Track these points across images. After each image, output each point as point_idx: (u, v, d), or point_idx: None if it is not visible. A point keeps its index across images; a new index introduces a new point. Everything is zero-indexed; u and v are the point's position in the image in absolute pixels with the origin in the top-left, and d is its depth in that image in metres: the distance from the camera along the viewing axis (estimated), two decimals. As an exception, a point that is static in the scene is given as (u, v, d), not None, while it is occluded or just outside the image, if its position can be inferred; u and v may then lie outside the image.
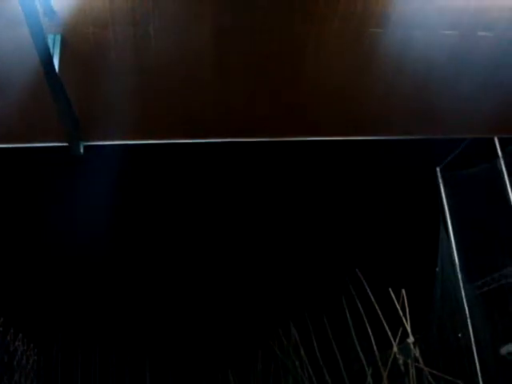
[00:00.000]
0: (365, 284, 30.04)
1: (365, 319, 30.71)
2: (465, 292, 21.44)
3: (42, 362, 57.75)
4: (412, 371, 26.20)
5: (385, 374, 28.99)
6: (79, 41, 4.55)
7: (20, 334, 50.73)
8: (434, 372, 24.43)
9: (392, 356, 28.84)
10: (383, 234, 30.08)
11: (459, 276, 21.55)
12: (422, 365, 25.59)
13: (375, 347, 30.58)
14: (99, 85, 4.60)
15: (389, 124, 4.97)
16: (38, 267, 54.60)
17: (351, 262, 32.71)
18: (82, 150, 4.91)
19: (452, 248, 21.92)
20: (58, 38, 4.55)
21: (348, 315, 33.15)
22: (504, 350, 19.92)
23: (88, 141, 4.93)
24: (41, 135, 4.90)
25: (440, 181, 22.55)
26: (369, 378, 30.95)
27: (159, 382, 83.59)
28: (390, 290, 27.09)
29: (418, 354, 25.89)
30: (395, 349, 28.34)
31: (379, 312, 28.75)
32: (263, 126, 5.02)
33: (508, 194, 19.51)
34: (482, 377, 20.32)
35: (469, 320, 20.99)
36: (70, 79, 4.40)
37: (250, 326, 57.66)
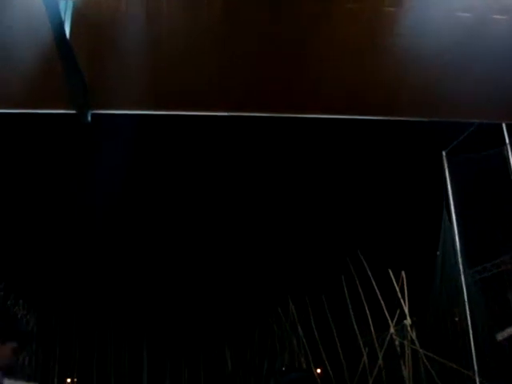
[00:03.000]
0: (365, 265, 30.22)
1: (363, 299, 30.94)
2: (464, 277, 21.47)
3: (41, 328, 58.31)
4: (408, 353, 26.45)
5: (380, 355, 29.28)
6: (91, 7, 4.51)
7: (21, 300, 51.16)
8: (430, 354, 24.64)
9: (388, 337, 29.13)
10: (386, 216, 30.08)
11: (459, 261, 21.57)
12: (417, 347, 25.83)
13: (372, 327, 30.87)
14: (109, 53, 4.57)
15: (398, 105, 4.94)
16: (42, 235, 54.88)
17: (353, 242, 32.87)
18: (89, 119, 4.90)
19: (454, 232, 21.90)
20: (70, 3, 4.52)
21: (347, 295, 33.42)
22: (500, 336, 20.01)
23: (96, 109, 4.92)
24: (49, 102, 4.89)
25: (445, 165, 22.45)
26: (364, 358, 31.27)
27: (157, 357, 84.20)
28: (389, 271, 27.26)
29: (414, 336, 26.11)
30: (392, 330, 28.61)
31: (378, 293, 28.94)
32: (269, 101, 5.00)
33: (512, 181, 19.41)
34: (476, 361, 20.43)
35: (467, 305, 21.06)
36: (81, 46, 4.38)
37: (249, 303, 58.04)
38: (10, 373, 2.85)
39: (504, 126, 18.50)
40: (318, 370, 40.36)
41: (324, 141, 39.52)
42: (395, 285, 26.72)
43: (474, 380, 20.23)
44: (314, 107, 4.92)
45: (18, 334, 2.88)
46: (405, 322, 26.41)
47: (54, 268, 59.95)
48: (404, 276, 26.53)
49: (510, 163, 19.32)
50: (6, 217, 46.61)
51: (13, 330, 2.91)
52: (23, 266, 49.21)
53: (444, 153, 22.54)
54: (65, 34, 4.35)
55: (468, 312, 21.00)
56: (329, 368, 35.97)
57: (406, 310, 26.42)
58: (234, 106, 5.15)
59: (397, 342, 27.14)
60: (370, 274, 29.26)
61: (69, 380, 69.44)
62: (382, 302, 28.05)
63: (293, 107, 5.01)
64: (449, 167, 22.33)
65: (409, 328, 25.94)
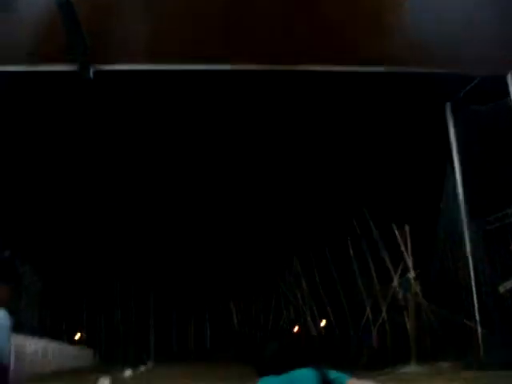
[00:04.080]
0: (368, 218, 30.32)
1: (367, 253, 31.16)
2: (468, 230, 21.49)
3: (47, 285, 59.05)
4: (411, 305, 26.74)
5: (384, 308, 29.65)
6: (91, -40, 4.43)
7: (27, 260, 51.63)
8: (433, 306, 24.92)
9: (392, 290, 29.42)
10: (390, 170, 29.98)
11: (463, 213, 21.57)
12: (421, 299, 26.09)
13: (376, 281, 31.17)
14: (110, 7, 4.49)
15: (404, 56, 4.86)
16: (44, 193, 54.99)
17: (357, 196, 32.89)
18: (91, 75, 4.85)
19: (457, 185, 21.85)
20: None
21: (350, 249, 33.64)
22: (502, 288, 20.17)
23: (98, 65, 4.85)
24: (51, 60, 4.82)
25: (449, 116, 22.26)
26: (368, 311, 31.66)
27: (163, 311, 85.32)
28: (393, 225, 27.34)
29: (417, 289, 26.35)
30: (395, 283, 28.88)
31: (381, 246, 29.12)
32: (278, 53, 4.95)
33: (517, 133, 19.25)
34: (479, 312, 20.61)
35: (470, 257, 21.14)
36: (81, 1, 4.30)
37: (254, 258, 58.48)
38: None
39: (509, 77, 18.24)
40: (323, 323, 40.97)
41: (327, 95, 39.14)
42: (399, 238, 26.82)
43: (477, 331, 20.47)
44: (318, 58, 4.85)
45: (13, 276, 2.97)
46: (408, 274, 26.60)
47: (58, 226, 60.31)
48: (407, 230, 26.61)
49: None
50: (11, 176, 46.69)
51: (8, 272, 3.00)
52: (27, 225, 49.52)
53: (448, 104, 22.33)
54: (65, -11, 4.28)
55: (471, 264, 21.11)
56: (333, 320, 36.51)
57: (410, 263, 26.59)
58: (236, 59, 5.08)
59: (400, 295, 27.41)
60: (373, 227, 29.36)
61: (78, 335, 70.76)
62: (385, 255, 28.22)
63: (297, 59, 4.94)
64: (453, 119, 22.16)
65: (412, 281, 26.13)
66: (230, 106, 52.70)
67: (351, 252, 32.59)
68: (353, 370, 24.66)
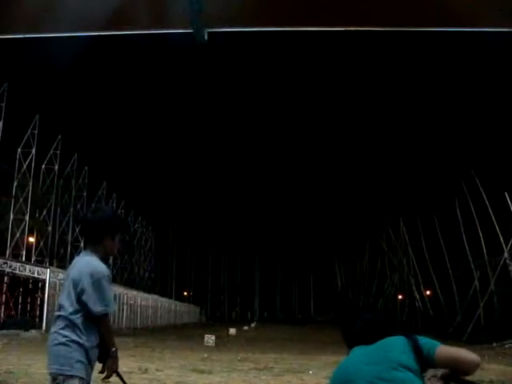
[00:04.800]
0: (479, 186, 29.04)
1: (476, 222, 29.94)
2: None
3: (158, 244, 61.58)
4: (522, 278, 25.55)
5: (492, 280, 28.47)
6: None
7: (139, 217, 53.93)
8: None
9: (502, 261, 28.17)
10: (502, 134, 28.37)
11: None
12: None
13: (485, 251, 29.94)
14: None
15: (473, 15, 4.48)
16: (160, 155, 56.95)
17: (467, 162, 31.51)
18: (206, 37, 4.82)
19: None
20: None
21: (459, 216, 32.48)
22: None
23: (212, 27, 4.82)
24: (166, 22, 4.86)
25: None
26: (476, 282, 30.57)
27: (268, 272, 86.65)
28: (505, 194, 26.01)
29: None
30: (506, 254, 27.59)
31: (492, 216, 27.84)
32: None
33: None
34: None
35: None
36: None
37: (360, 222, 57.98)
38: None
39: None
40: (428, 292, 40.07)
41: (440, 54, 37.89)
42: (511, 207, 25.50)
43: None
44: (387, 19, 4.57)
45: (123, 227, 3.27)
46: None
47: (171, 187, 62.58)
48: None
49: None
50: (126, 137, 48.75)
51: (118, 223, 3.29)
52: (143, 185, 51.69)
53: None
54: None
55: None
56: (438, 290, 35.59)
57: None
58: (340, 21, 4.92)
59: (510, 267, 26.19)
60: (484, 195, 28.09)
61: (185, 293, 73.66)
62: (496, 225, 26.95)
63: (363, 21, 4.68)
64: None
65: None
66: (337, 67, 52.05)
67: (460, 219, 31.41)
68: (457, 342, 24.02)
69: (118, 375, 3.32)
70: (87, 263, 3.36)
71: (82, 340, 3.21)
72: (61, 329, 3.26)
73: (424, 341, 2.36)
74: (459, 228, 31.44)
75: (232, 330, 32.23)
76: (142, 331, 33.81)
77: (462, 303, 30.67)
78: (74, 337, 3.22)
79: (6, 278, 30.03)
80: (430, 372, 2.33)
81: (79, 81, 41.35)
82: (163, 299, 54.01)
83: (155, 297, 50.92)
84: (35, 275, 28.65)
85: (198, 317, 68.78)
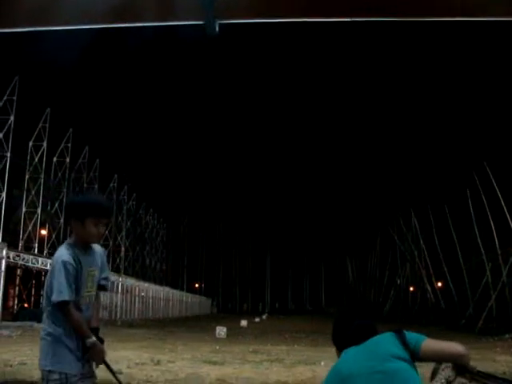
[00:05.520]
0: (491, 177, 28.85)
1: (488, 213, 29.75)
2: None
3: (170, 236, 61.67)
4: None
5: (505, 271, 28.31)
6: None
7: (151, 209, 54.08)
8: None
9: (514, 253, 28.00)
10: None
11: None
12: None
13: (497, 242, 29.77)
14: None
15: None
16: (172, 148, 57.03)
17: (479, 153, 31.31)
18: (217, 29, 4.84)
19: None
20: None
21: (471, 208, 32.29)
22: None
23: (224, 19, 4.84)
24: (177, 14, 4.89)
25: None
26: (488, 273, 30.42)
27: (279, 265, 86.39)
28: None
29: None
30: (519, 246, 27.43)
31: (504, 207, 27.65)
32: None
33: None
34: None
35: None
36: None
37: (371, 214, 57.81)
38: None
39: None
40: (439, 284, 39.91)
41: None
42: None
43: None
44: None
45: (95, 211, 3.09)
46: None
47: (183, 179, 62.81)
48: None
49: None
50: (137, 130, 48.93)
51: (88, 207, 3.12)
52: (155, 178, 51.90)
53: None
54: None
55: None
56: (450, 282, 35.44)
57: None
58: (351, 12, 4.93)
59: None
60: (496, 187, 27.91)
61: (197, 285, 73.93)
62: (508, 216, 26.77)
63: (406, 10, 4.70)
64: None
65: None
66: (349, 57, 51.92)
67: (471, 211, 31.25)
68: (469, 334, 23.96)
69: (106, 365, 3.23)
70: (55, 253, 3.30)
71: (56, 331, 3.13)
72: (43, 322, 3.23)
73: (411, 335, 2.40)
74: (471, 219, 31.28)
75: (243, 322, 32.30)
76: (153, 323, 33.96)
77: (474, 295, 30.55)
78: (50, 329, 3.15)
79: (18, 270, 30.29)
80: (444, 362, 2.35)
81: (90, 74, 41.49)
82: (175, 291, 54.23)
83: (167, 289, 51.14)
84: (47, 267, 28.86)
85: (210, 309, 69.05)
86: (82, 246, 3.28)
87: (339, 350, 2.54)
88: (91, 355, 3.17)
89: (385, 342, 2.39)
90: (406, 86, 48.25)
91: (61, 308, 3.11)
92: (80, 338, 3.14)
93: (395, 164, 51.73)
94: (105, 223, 3.25)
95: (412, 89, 47.79)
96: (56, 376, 3.10)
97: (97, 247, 3.41)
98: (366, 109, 58.07)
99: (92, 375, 3.24)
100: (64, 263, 3.16)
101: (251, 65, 55.00)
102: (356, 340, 2.46)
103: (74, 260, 3.21)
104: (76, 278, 3.19)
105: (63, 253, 3.23)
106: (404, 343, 2.35)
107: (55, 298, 3.08)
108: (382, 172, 56.45)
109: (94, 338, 3.15)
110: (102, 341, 3.24)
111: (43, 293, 3.18)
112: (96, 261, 3.38)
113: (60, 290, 3.10)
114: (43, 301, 3.34)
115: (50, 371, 3.11)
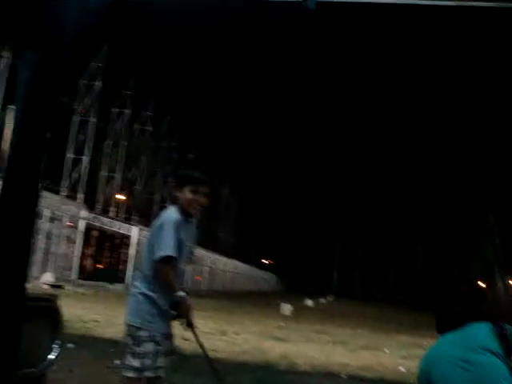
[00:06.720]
0: None
1: None
2: None
3: (242, 210, 62.16)
4: None
5: None
6: None
7: (225, 182, 54.72)
8: None
9: None
10: None
11: None
12: None
13: None
14: None
15: None
16: (249, 122, 57.30)
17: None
18: (314, 6, 4.74)
19: None
20: None
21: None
22: None
23: None
24: None
25: None
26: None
27: (349, 250, 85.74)
28: None
29: None
30: None
31: None
32: None
33: None
34: None
35: None
36: None
37: (446, 207, 56.48)
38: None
39: None
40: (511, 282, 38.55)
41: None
42: None
43: None
44: None
45: (192, 179, 3.31)
46: None
47: (256, 152, 63.08)
48: None
49: None
50: (218, 106, 49.40)
51: (186, 176, 3.36)
52: (229, 150, 52.32)
53: None
54: None
55: None
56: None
57: None
58: None
59: None
60: None
61: (265, 261, 74.37)
62: None
63: None
64: None
65: None
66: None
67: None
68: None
69: (193, 330, 3.40)
70: (161, 216, 3.50)
71: (151, 292, 3.31)
72: (136, 281, 3.43)
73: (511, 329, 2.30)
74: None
75: (309, 302, 32.39)
76: (220, 295, 34.55)
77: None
78: (144, 289, 3.33)
79: (95, 232, 31.38)
80: None
81: (176, 48, 41.95)
82: (243, 265, 54.74)
83: (235, 262, 51.66)
84: (122, 231, 29.75)
85: (276, 285, 69.38)
86: (184, 215, 3.45)
87: (439, 333, 2.52)
88: (180, 309, 3.33)
89: (480, 331, 2.33)
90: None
91: (165, 262, 3.28)
92: (171, 294, 3.31)
93: (476, 162, 50.32)
94: (203, 193, 3.43)
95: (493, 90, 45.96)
96: (146, 334, 3.30)
97: (194, 221, 3.59)
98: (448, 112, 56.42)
99: (172, 337, 3.45)
100: (175, 224, 3.36)
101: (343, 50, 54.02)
102: (454, 325, 2.42)
103: (181, 225, 3.41)
104: (180, 244, 3.38)
105: (174, 215, 3.42)
106: (502, 336, 2.28)
107: (163, 252, 3.27)
108: (458, 164, 55.09)
109: (183, 293, 3.32)
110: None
111: (140, 256, 3.35)
112: (192, 233, 3.61)
113: (169, 245, 3.29)
114: (141, 262, 3.58)
115: (138, 328, 3.30)
